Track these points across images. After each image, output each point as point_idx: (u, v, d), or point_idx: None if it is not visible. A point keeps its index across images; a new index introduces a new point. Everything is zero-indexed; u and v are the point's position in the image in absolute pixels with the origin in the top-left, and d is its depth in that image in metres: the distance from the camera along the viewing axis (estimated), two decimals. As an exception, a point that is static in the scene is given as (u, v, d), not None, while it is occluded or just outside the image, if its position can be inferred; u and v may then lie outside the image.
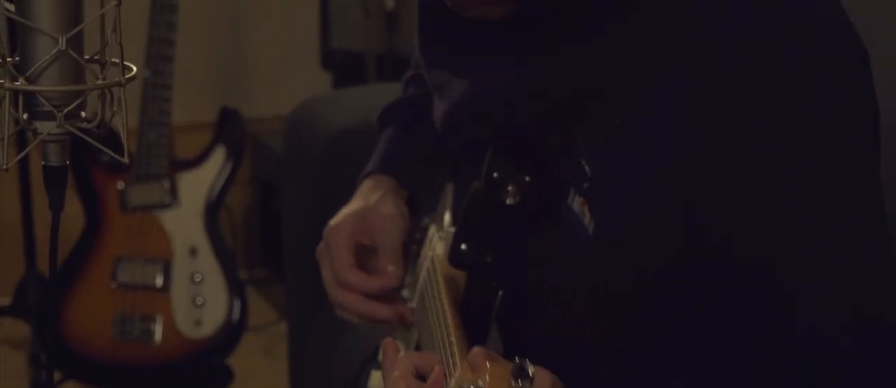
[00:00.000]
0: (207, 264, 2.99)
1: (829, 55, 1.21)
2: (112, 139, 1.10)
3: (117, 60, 1.07)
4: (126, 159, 1.08)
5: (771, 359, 1.23)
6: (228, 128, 3.10)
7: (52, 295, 3.02)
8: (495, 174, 1.32)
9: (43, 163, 1.08)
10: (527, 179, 1.31)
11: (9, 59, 1.06)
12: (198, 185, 3.02)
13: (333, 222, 1.59)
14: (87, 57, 1.06)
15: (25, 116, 1.06)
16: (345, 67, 3.50)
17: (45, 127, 1.05)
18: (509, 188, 1.30)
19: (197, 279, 2.98)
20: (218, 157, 3.05)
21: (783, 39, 1.20)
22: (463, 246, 1.36)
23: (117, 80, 1.06)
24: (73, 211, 2.93)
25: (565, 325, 1.32)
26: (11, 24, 1.06)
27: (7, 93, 1.04)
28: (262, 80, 3.78)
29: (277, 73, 3.78)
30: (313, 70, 3.64)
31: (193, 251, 2.99)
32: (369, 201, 1.59)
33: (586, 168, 1.27)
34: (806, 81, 1.20)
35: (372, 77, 3.35)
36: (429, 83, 1.46)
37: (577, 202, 1.28)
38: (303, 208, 2.43)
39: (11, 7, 1.05)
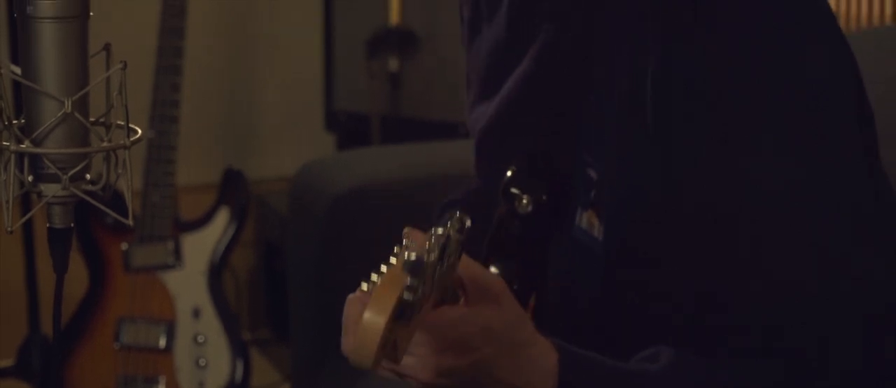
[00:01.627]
0: (211, 325, 2.99)
1: (790, 23, 1.26)
2: (116, 200, 1.10)
3: (122, 123, 1.07)
4: (130, 222, 1.08)
5: (744, 310, 1.28)
6: (232, 189, 3.10)
7: (55, 356, 3.02)
8: (513, 189, 1.36)
9: (47, 225, 1.08)
10: (543, 197, 1.37)
11: (14, 122, 1.06)
12: (201, 246, 3.02)
13: (351, 295, 1.59)
14: (92, 119, 1.07)
15: (30, 178, 1.06)
16: (349, 129, 3.50)
17: (50, 189, 1.06)
18: (524, 200, 1.34)
19: (200, 340, 2.97)
20: (222, 218, 3.05)
21: (744, 12, 1.26)
22: (492, 269, 1.39)
23: (122, 142, 1.06)
24: (77, 271, 2.93)
25: (575, 329, 1.36)
26: (17, 86, 1.06)
27: (12, 155, 1.04)
28: (266, 141, 3.79)
29: (281, 134, 3.78)
30: (317, 131, 3.64)
31: (197, 312, 2.98)
32: None
33: (592, 174, 1.33)
34: (768, 50, 1.25)
35: (376, 139, 3.36)
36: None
37: (585, 219, 1.35)
38: (307, 270, 2.43)
39: (18, 70, 1.05)
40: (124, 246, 2.96)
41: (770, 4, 1.27)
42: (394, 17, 3.31)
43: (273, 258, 3.61)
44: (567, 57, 1.39)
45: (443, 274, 1.12)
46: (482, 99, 1.53)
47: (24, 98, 1.06)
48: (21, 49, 1.05)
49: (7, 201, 1.05)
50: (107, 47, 1.08)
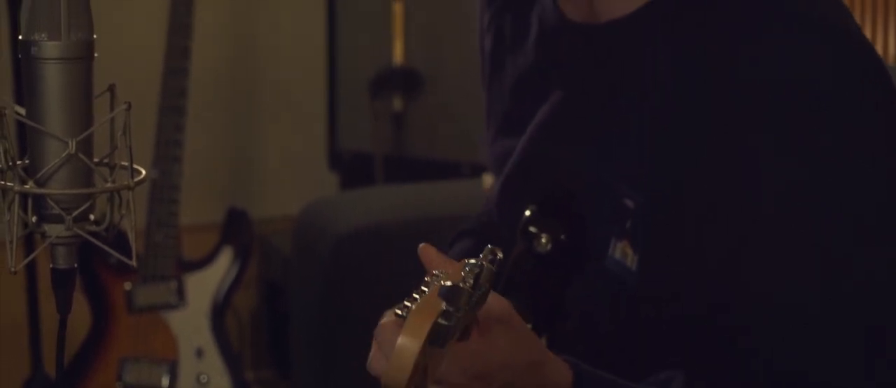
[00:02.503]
0: (213, 365, 2.98)
1: (825, 45, 1.29)
2: (119, 240, 1.10)
3: (126, 164, 1.07)
4: (134, 262, 1.08)
5: (756, 336, 1.30)
6: (236, 229, 3.10)
7: (57, 396, 3.01)
8: (532, 228, 1.38)
9: (51, 265, 1.08)
10: (562, 237, 1.39)
11: (18, 163, 1.06)
12: (205, 286, 3.01)
13: (384, 320, 1.59)
14: (96, 160, 1.07)
15: (34, 218, 1.06)
16: (352, 168, 3.51)
17: (54, 230, 1.05)
18: (542, 239, 1.35)
19: (203, 381, 2.97)
20: (225, 258, 3.05)
21: (779, 34, 1.29)
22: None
23: (126, 183, 1.06)
24: (80, 311, 2.93)
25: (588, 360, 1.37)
26: (21, 127, 1.06)
27: (16, 196, 1.04)
28: (270, 180, 3.79)
29: (285, 173, 3.78)
30: (321, 171, 3.65)
31: (200, 353, 2.98)
32: None
33: (628, 204, 1.34)
34: (813, 77, 1.27)
35: (380, 178, 3.36)
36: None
37: (618, 250, 1.36)
38: (310, 310, 2.43)
39: (22, 111, 1.05)
40: (127, 286, 2.96)
41: (809, 38, 1.29)
42: (397, 56, 3.31)
43: (276, 298, 3.60)
44: (598, 89, 1.40)
45: (474, 304, 1.15)
46: (506, 133, 1.54)
47: (28, 139, 1.06)
48: (25, 90, 1.05)
49: (10, 242, 1.05)
50: (111, 88, 1.08)
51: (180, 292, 2.98)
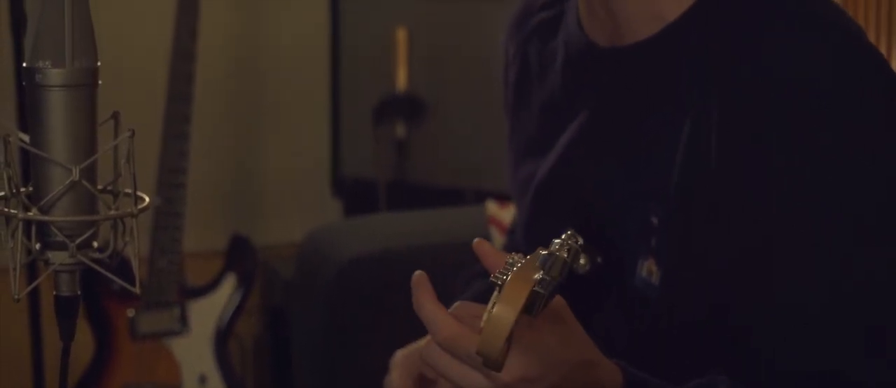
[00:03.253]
0: (217, 392, 2.98)
1: (836, 47, 1.31)
2: (123, 267, 1.10)
3: (130, 191, 1.07)
4: (138, 290, 1.08)
5: (757, 330, 1.32)
6: (239, 255, 3.10)
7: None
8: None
9: (54, 293, 1.08)
10: (599, 259, 1.41)
11: (22, 190, 1.06)
12: (208, 312, 3.01)
13: (401, 352, 1.59)
14: (100, 187, 1.07)
15: (38, 246, 1.06)
16: (356, 195, 3.51)
17: (58, 257, 1.05)
18: (581, 261, 1.37)
19: (206, 407, 2.96)
20: (228, 284, 3.05)
21: (789, 36, 1.31)
22: None
23: (130, 210, 1.06)
24: (83, 337, 2.92)
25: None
26: (25, 154, 1.06)
27: (20, 223, 1.04)
28: (273, 207, 3.79)
29: (288, 200, 3.78)
30: (324, 197, 3.65)
31: (203, 379, 2.97)
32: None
33: (654, 221, 1.36)
34: (812, 76, 1.30)
35: (383, 205, 3.36)
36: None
37: (645, 269, 1.38)
38: (313, 336, 2.42)
39: (26, 138, 1.05)
40: (130, 312, 2.96)
41: (836, 44, 1.31)
42: (401, 83, 3.32)
43: (279, 324, 3.60)
44: (624, 109, 1.42)
45: (562, 280, 1.17)
46: (532, 156, 1.54)
47: (31, 166, 1.06)
48: (29, 117, 1.05)
49: (14, 269, 1.05)
50: (115, 115, 1.08)
51: (183, 319, 2.98)
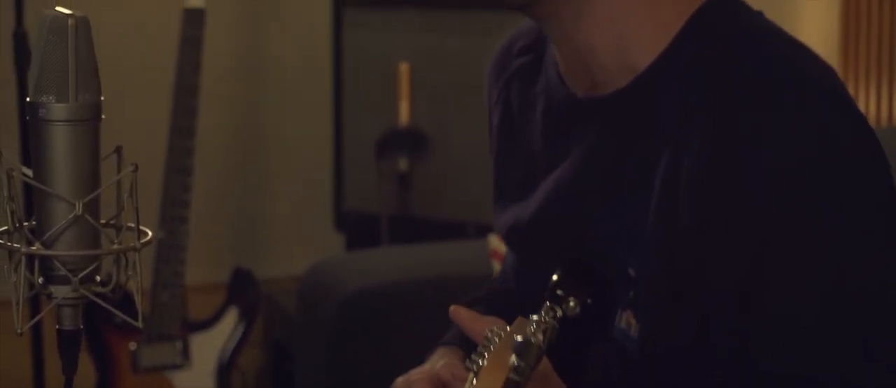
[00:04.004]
0: (218, 425, 2.97)
1: (829, 119, 1.31)
2: (125, 300, 1.10)
3: (133, 225, 1.07)
4: (141, 324, 1.08)
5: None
6: (241, 289, 3.10)
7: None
8: (559, 291, 1.39)
9: (57, 326, 1.08)
10: (588, 301, 1.39)
11: (25, 224, 1.06)
12: (210, 346, 3.01)
13: (401, 379, 1.59)
14: (102, 221, 1.07)
15: (41, 279, 1.06)
16: (358, 229, 3.51)
17: (60, 291, 1.06)
18: (571, 303, 1.38)
19: (208, 441, 2.96)
20: (231, 318, 3.05)
21: (786, 106, 1.30)
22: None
23: (133, 244, 1.06)
24: (85, 370, 2.92)
25: None
26: (28, 188, 1.06)
27: (23, 257, 1.05)
28: (276, 240, 3.79)
29: (291, 233, 3.78)
30: (327, 231, 3.65)
31: (205, 413, 2.97)
32: (436, 365, 1.61)
33: (631, 272, 1.36)
34: (810, 144, 1.29)
35: (385, 239, 3.36)
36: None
37: (623, 320, 1.37)
38: (316, 370, 2.42)
39: (29, 172, 1.06)
40: (132, 346, 2.95)
41: (806, 97, 1.31)
42: (403, 117, 3.32)
43: (282, 358, 3.60)
44: (602, 160, 1.42)
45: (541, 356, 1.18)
46: (515, 201, 1.55)
47: (34, 200, 1.06)
48: (33, 151, 1.06)
49: (16, 303, 1.05)
50: (118, 150, 1.08)
51: (185, 352, 2.98)
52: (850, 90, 2.87)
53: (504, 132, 1.59)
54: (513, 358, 1.14)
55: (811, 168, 1.29)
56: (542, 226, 1.49)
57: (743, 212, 1.29)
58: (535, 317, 1.18)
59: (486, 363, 1.16)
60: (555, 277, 1.41)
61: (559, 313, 1.19)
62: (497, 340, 1.18)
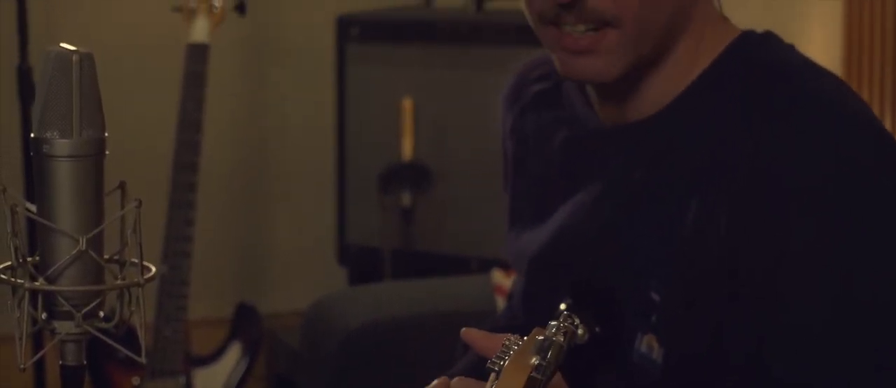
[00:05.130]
0: (221, 461, 2.97)
1: (860, 146, 1.33)
2: (128, 335, 1.10)
3: (136, 261, 1.07)
4: (144, 359, 1.08)
5: None
6: (244, 324, 3.09)
7: None
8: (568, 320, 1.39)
9: (60, 362, 1.08)
10: (597, 329, 1.40)
11: (28, 259, 1.06)
12: (213, 381, 3.00)
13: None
14: (106, 257, 1.07)
15: (44, 315, 1.06)
16: (361, 263, 3.51)
17: (64, 327, 1.05)
18: (579, 332, 1.39)
19: (210, 477, 2.95)
20: (234, 353, 3.04)
21: (814, 133, 1.33)
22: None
23: (136, 280, 1.06)
24: (88, 407, 2.91)
25: None
26: (32, 224, 1.06)
27: (26, 293, 1.05)
28: (279, 275, 3.79)
29: (294, 268, 3.78)
30: (330, 266, 3.65)
31: (207, 448, 2.96)
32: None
33: (655, 297, 1.37)
34: (831, 162, 1.32)
35: (388, 274, 3.36)
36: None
37: (645, 343, 1.39)
38: (318, 406, 2.42)
39: (33, 208, 1.06)
40: (135, 381, 2.95)
41: (835, 124, 1.33)
42: (406, 152, 3.33)
43: (285, 393, 3.59)
44: (628, 186, 1.43)
45: (559, 364, 1.18)
46: (530, 229, 1.55)
47: (38, 235, 1.06)
48: (36, 187, 1.06)
49: (20, 339, 1.05)
50: (122, 186, 1.09)
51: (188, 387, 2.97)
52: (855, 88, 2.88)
53: (519, 159, 1.60)
54: (534, 358, 1.15)
55: (831, 185, 1.31)
56: (558, 250, 1.50)
57: (770, 231, 1.31)
58: (553, 322, 1.19)
59: (507, 363, 1.16)
60: (563, 305, 1.42)
61: (577, 321, 1.19)
62: (515, 347, 1.18)
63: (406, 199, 3.35)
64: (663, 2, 1.38)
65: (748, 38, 1.42)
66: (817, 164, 1.32)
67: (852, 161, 1.32)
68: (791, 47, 1.43)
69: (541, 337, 1.17)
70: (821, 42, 3.23)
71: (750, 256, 1.33)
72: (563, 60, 1.41)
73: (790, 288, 1.32)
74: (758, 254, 1.32)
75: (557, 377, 1.26)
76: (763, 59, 1.40)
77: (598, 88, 1.46)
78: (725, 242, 1.34)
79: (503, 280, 2.72)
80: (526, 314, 1.59)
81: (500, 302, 2.65)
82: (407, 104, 3.32)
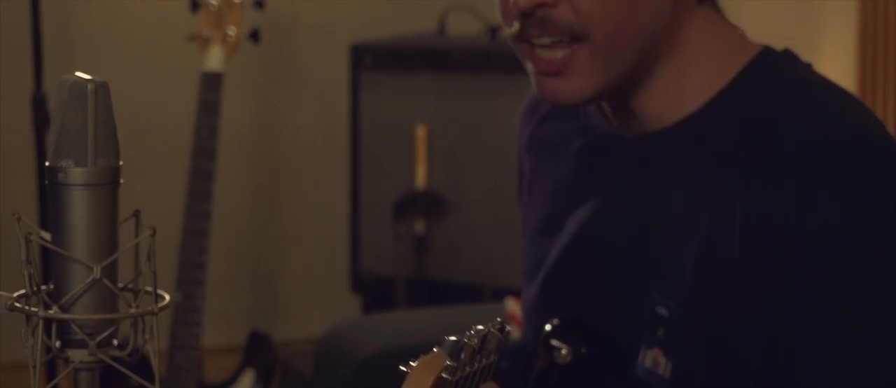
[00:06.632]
0: None
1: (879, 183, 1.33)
2: (141, 362, 1.10)
3: (150, 289, 1.08)
4: (157, 387, 1.08)
5: None
6: (258, 351, 3.09)
7: None
8: (553, 341, 1.41)
9: (73, 390, 1.08)
10: (583, 350, 1.41)
11: (43, 288, 1.06)
12: (226, 409, 3.00)
13: None
14: (120, 285, 1.07)
15: (58, 343, 1.06)
16: (374, 292, 3.50)
17: (77, 355, 1.05)
18: (563, 351, 1.38)
19: None
20: (247, 380, 3.04)
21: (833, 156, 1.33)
22: None
23: (150, 308, 1.06)
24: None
25: None
26: (46, 252, 1.07)
27: (40, 321, 1.05)
28: (292, 303, 3.79)
29: (307, 296, 3.78)
30: (343, 294, 3.65)
31: (220, 477, 2.96)
32: None
33: (662, 312, 1.37)
34: (856, 196, 1.32)
35: (402, 302, 3.35)
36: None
37: (649, 358, 1.38)
38: (331, 434, 2.41)
39: (47, 236, 1.06)
40: (149, 409, 2.95)
41: (856, 152, 1.34)
42: (420, 180, 3.33)
43: (298, 422, 3.59)
44: (639, 198, 1.43)
45: (478, 372, 1.16)
46: (541, 238, 1.55)
47: (52, 264, 1.06)
48: (51, 215, 1.06)
49: (34, 367, 1.05)
50: (136, 214, 1.09)
51: (201, 416, 2.97)
52: (868, 102, 2.87)
53: (535, 170, 1.60)
54: (447, 358, 1.14)
55: (848, 206, 1.31)
56: (570, 263, 1.50)
57: (785, 249, 1.31)
58: (480, 326, 1.17)
59: (418, 362, 1.15)
60: (548, 326, 1.42)
61: (508, 329, 1.19)
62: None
63: (420, 227, 3.35)
64: (635, 15, 1.36)
65: (768, 56, 1.42)
66: (834, 185, 1.32)
67: (869, 183, 1.32)
68: (809, 66, 1.43)
69: (453, 338, 1.15)
70: (833, 51, 3.22)
71: (764, 273, 1.33)
72: (537, 82, 1.40)
73: (808, 304, 1.32)
74: (772, 271, 1.32)
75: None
76: (782, 78, 1.40)
77: (607, 100, 1.47)
78: (738, 257, 1.34)
79: (516, 309, 2.72)
80: (532, 327, 1.59)
81: (515, 331, 2.65)
82: (420, 132, 3.32)
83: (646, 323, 1.39)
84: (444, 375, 1.13)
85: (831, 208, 1.31)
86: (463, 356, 1.13)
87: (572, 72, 1.37)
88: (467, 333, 1.15)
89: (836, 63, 3.21)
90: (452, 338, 1.15)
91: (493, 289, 3.19)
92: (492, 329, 1.17)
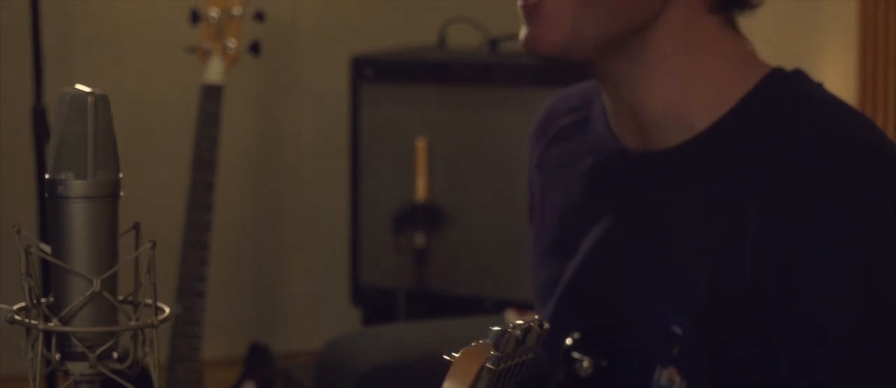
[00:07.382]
0: None
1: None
2: (142, 375, 1.10)
3: (150, 302, 1.07)
4: (157, 401, 1.08)
5: None
6: (258, 363, 3.09)
7: None
8: (574, 354, 1.41)
9: (73, 403, 1.08)
10: (604, 363, 1.41)
11: (43, 300, 1.06)
12: (226, 421, 3.00)
13: None
14: (120, 298, 1.07)
15: (57, 356, 1.06)
16: (375, 303, 3.50)
17: (77, 368, 1.05)
18: (585, 364, 1.38)
19: None
20: (247, 393, 3.04)
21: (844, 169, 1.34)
22: None
23: (150, 321, 1.06)
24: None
25: None
26: (46, 264, 1.06)
27: (40, 334, 1.04)
28: (293, 315, 3.79)
29: (308, 308, 3.78)
30: (343, 306, 3.65)
31: None
32: None
33: (676, 330, 1.37)
34: (868, 214, 1.33)
35: (402, 314, 3.35)
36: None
37: (664, 377, 1.39)
38: (332, 447, 2.41)
39: (47, 249, 1.06)
40: (149, 421, 2.94)
41: (867, 170, 1.34)
42: (420, 192, 3.33)
43: (298, 434, 3.58)
44: (650, 215, 1.43)
45: (520, 366, 1.16)
46: (553, 258, 1.55)
47: (52, 277, 1.06)
48: (51, 228, 1.06)
49: (33, 380, 1.05)
50: (136, 227, 1.09)
51: (202, 428, 2.97)
52: (868, 109, 2.87)
53: (545, 189, 1.60)
54: (491, 348, 1.14)
55: (861, 223, 1.32)
56: (584, 281, 1.50)
57: (799, 267, 1.32)
58: (520, 321, 1.17)
59: (459, 355, 1.15)
60: (569, 340, 1.42)
61: (546, 326, 1.18)
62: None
63: (420, 239, 3.35)
64: None
65: (778, 75, 1.43)
66: (842, 198, 1.32)
67: (881, 201, 1.33)
68: (820, 85, 1.43)
69: (497, 328, 1.15)
70: (834, 59, 3.23)
71: (775, 287, 1.33)
72: (521, 35, 1.42)
73: (817, 317, 1.32)
74: (782, 285, 1.33)
75: None
76: (792, 96, 1.41)
77: (610, 109, 1.47)
78: (750, 274, 1.34)
79: (516, 320, 2.71)
80: (550, 347, 1.60)
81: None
82: (421, 144, 3.32)
83: (661, 341, 1.39)
84: (488, 365, 1.13)
85: (839, 220, 1.32)
86: (507, 346, 1.13)
87: (543, 16, 1.39)
88: (510, 325, 1.15)
89: (837, 70, 3.21)
90: (496, 328, 1.15)
91: (494, 301, 3.19)
92: (532, 324, 1.17)
